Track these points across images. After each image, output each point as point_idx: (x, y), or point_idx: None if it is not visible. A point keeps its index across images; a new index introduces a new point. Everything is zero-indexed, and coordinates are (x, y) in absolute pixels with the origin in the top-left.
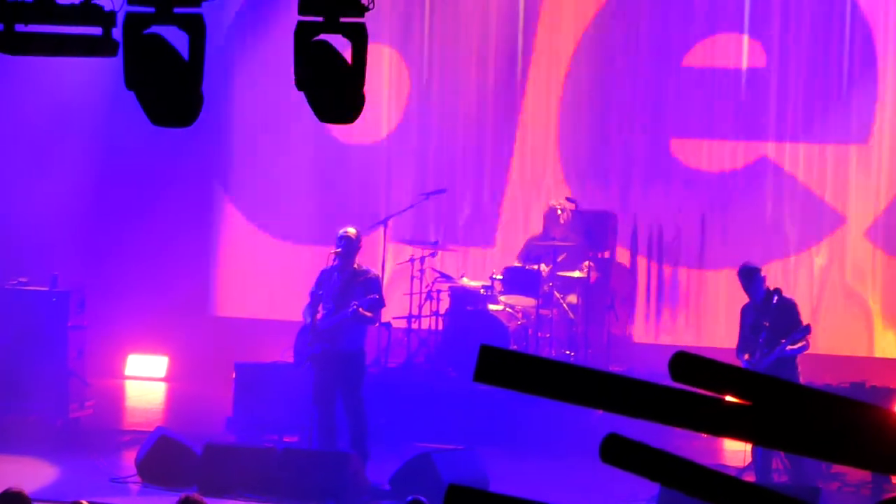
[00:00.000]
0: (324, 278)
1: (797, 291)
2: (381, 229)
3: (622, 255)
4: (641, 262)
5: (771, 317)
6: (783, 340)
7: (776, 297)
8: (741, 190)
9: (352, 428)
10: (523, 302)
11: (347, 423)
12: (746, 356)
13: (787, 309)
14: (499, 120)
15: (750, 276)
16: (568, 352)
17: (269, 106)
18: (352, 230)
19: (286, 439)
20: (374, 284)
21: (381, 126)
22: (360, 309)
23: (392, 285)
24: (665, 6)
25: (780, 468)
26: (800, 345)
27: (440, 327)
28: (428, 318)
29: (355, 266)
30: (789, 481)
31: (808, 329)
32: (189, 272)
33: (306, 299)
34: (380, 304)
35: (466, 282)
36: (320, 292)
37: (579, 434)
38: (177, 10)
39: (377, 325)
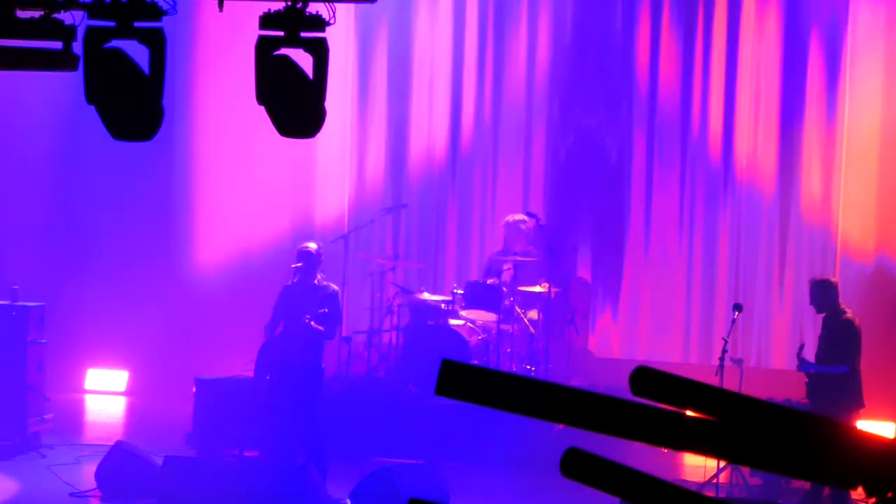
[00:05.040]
0: (285, 293)
1: (766, 304)
2: (343, 244)
3: (583, 270)
4: (602, 277)
5: (823, 332)
6: (812, 361)
7: (836, 316)
8: (701, 204)
9: (309, 443)
10: (484, 317)
11: (305, 437)
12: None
13: (833, 329)
14: (465, 135)
15: (814, 289)
16: (529, 366)
17: (231, 120)
18: (312, 245)
19: (246, 454)
20: (330, 300)
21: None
22: (312, 323)
23: (353, 300)
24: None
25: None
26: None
27: (400, 342)
28: (388, 333)
29: (316, 281)
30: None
31: (835, 367)
32: (148, 286)
33: (268, 314)
34: (334, 319)
35: (427, 296)
36: (281, 308)
37: (540, 448)
38: (137, 24)
39: (334, 339)
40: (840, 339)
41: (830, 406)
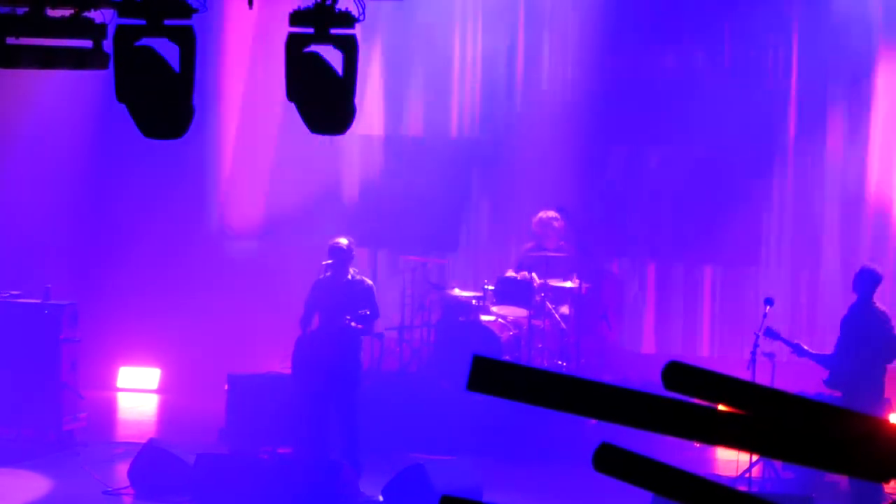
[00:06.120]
0: (318, 288)
1: (801, 296)
2: (374, 240)
3: (614, 265)
4: (633, 272)
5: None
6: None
7: (859, 305)
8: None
9: (344, 439)
10: (515, 312)
11: (340, 433)
12: None
13: (848, 316)
14: (497, 131)
15: (857, 274)
16: (560, 362)
17: (260, 117)
18: (343, 240)
19: (279, 450)
20: (367, 295)
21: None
22: (353, 323)
23: (384, 295)
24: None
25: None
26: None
27: (432, 337)
28: (420, 329)
29: (349, 276)
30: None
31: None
32: (180, 283)
33: (301, 310)
34: (373, 316)
35: (458, 292)
36: (314, 302)
37: (572, 443)
38: (167, 22)
39: (371, 335)
40: (844, 324)
41: (861, 399)
